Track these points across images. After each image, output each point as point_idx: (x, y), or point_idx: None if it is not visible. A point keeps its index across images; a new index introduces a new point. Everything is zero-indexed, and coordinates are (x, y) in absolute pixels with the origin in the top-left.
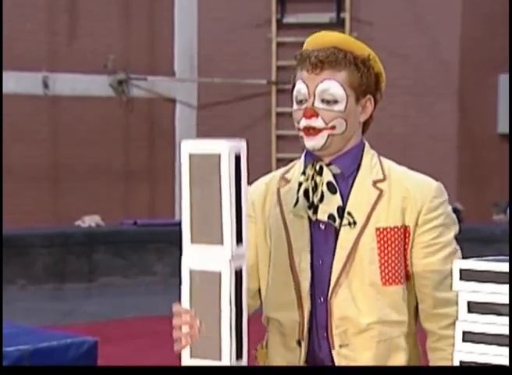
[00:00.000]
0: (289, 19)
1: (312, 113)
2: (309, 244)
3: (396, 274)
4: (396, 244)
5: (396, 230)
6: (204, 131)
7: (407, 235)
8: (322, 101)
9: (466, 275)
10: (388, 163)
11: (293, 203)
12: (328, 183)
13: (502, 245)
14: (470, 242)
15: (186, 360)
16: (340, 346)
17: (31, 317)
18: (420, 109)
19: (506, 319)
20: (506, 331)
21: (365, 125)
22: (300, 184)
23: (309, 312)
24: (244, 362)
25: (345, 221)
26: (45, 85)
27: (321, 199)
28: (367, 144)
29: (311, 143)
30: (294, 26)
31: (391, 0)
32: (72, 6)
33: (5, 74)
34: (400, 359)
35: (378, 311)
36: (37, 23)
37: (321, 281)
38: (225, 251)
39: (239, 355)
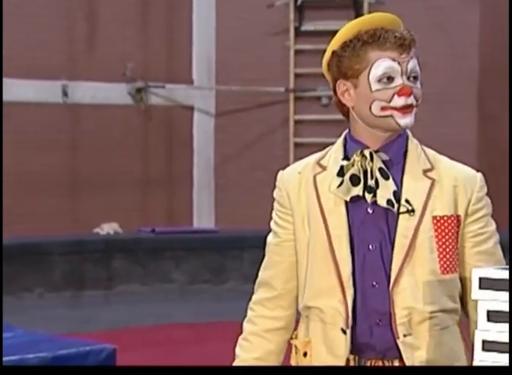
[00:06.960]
0: (307, 26)
1: (410, 91)
2: (347, 231)
3: (453, 263)
4: (453, 232)
5: (452, 218)
6: (221, 139)
7: (459, 224)
8: (408, 78)
9: (486, 284)
10: (431, 152)
11: (332, 188)
12: (380, 169)
13: None
14: None
15: None
16: (404, 335)
17: (50, 325)
18: (439, 117)
19: None
20: None
21: None
22: (341, 168)
23: (352, 298)
24: None
25: (403, 208)
26: (64, 93)
27: (377, 184)
28: (409, 133)
29: (406, 121)
30: (312, 33)
31: (410, 7)
32: (91, 15)
33: (24, 83)
34: (459, 346)
35: (438, 299)
36: (55, 32)
37: (372, 266)
38: None
39: None
